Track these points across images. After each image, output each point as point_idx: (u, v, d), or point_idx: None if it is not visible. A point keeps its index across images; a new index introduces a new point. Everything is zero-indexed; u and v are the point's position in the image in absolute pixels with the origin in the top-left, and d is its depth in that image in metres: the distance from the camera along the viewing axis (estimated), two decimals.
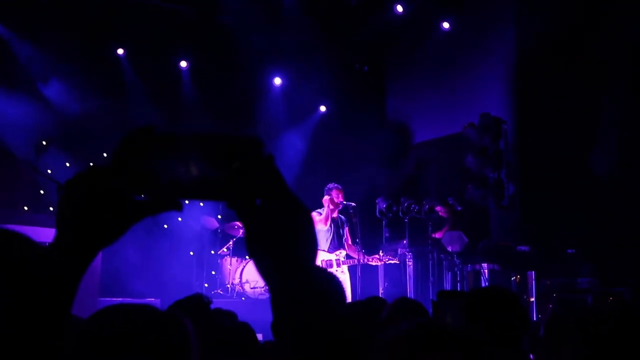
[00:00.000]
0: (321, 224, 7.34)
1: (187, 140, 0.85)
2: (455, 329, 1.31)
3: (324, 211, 7.43)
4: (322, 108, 10.82)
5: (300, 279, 0.86)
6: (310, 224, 0.90)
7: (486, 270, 7.61)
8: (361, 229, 7.58)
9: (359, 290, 7.41)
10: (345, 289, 7.32)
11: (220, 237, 9.04)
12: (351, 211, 7.40)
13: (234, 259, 8.76)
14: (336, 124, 10.34)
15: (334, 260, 7.40)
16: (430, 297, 7.32)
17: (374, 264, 7.55)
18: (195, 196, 0.86)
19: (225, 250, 8.97)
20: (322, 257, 7.31)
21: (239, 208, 0.86)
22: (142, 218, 0.88)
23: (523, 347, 2.34)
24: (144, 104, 8.99)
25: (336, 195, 7.31)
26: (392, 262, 7.60)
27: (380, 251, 7.68)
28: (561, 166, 7.96)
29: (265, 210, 0.86)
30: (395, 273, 8.53)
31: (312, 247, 0.89)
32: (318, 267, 0.90)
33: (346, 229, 7.57)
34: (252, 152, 0.85)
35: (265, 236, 0.86)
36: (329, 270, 7.02)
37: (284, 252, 0.86)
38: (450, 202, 8.59)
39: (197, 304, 2.45)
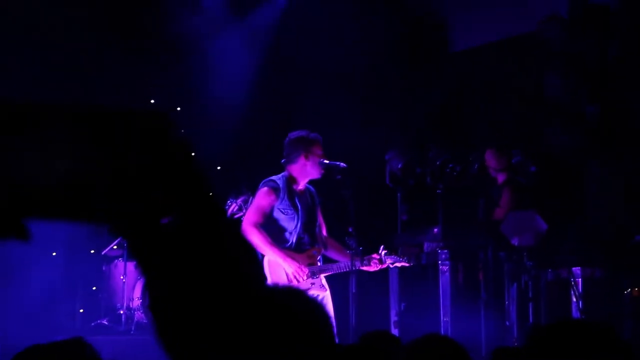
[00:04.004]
0: (283, 203, 7.09)
1: (47, 115, 0.88)
2: None
3: (288, 180, 7.13)
4: None
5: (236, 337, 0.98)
6: (245, 248, 1.02)
7: (580, 280, 7.63)
8: (358, 208, 7.34)
9: (353, 319, 7.15)
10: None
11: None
12: (339, 177, 7.13)
13: (131, 264, 8.83)
14: (312, 19, 10.17)
15: (305, 272, 7.08)
16: (483, 329, 7.54)
17: (371, 270, 7.31)
18: (56, 214, 0.89)
19: (115, 248, 9.00)
20: (284, 267, 6.99)
21: (133, 234, 0.96)
22: None
23: None
24: None
25: (317, 152, 7.10)
26: (402, 264, 7.39)
27: (381, 247, 7.27)
28: None
29: (172, 233, 0.95)
30: (419, 285, 8.51)
31: (252, 280, 1.01)
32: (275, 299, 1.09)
33: (319, 211, 7.35)
34: (155, 136, 0.91)
35: (173, 278, 0.96)
36: (299, 290, 6.81)
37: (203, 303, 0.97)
38: (515, 157, 8.50)
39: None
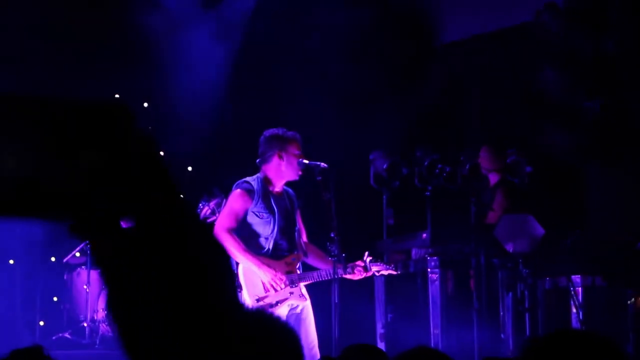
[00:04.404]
0: (258, 205, 7.17)
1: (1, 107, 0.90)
2: None
3: (263, 181, 7.22)
4: None
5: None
6: (217, 255, 1.02)
7: (580, 288, 7.70)
8: (340, 212, 7.43)
9: (336, 331, 7.24)
10: (307, 337, 6.92)
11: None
12: (319, 179, 7.21)
13: (95, 272, 8.87)
14: (292, 11, 10.35)
15: (282, 280, 7.12)
16: (476, 341, 7.62)
17: (355, 278, 7.34)
18: (10, 212, 0.90)
19: (77, 255, 9.10)
20: (259, 275, 7.03)
21: (92, 233, 0.94)
22: None
23: None
24: None
25: (293, 151, 7.20)
26: (388, 272, 7.46)
27: (366, 254, 7.33)
28: None
29: (137, 237, 0.95)
30: (407, 295, 8.56)
31: (221, 294, 1.00)
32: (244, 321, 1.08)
33: (298, 215, 7.43)
34: (113, 129, 0.91)
35: (139, 286, 0.95)
36: (271, 304, 7.17)
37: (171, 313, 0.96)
38: (509, 157, 8.62)
39: None
